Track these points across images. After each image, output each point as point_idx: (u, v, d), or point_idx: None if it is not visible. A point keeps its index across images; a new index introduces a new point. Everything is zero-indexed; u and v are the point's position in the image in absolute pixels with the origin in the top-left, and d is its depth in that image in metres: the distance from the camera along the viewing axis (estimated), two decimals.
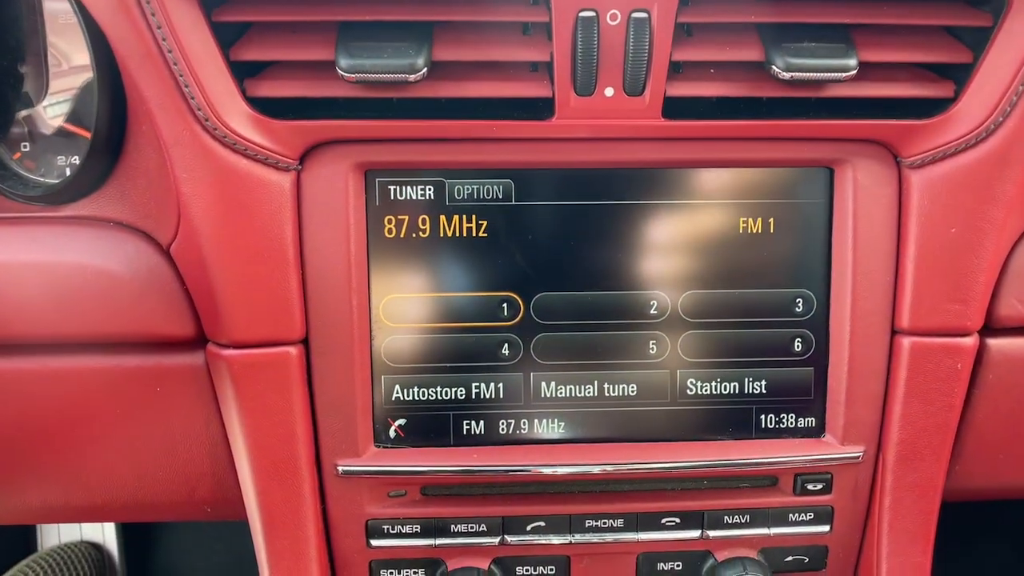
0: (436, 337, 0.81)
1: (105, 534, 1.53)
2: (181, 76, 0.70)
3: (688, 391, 0.83)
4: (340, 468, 0.81)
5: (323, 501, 0.83)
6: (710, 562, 0.86)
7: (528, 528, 0.84)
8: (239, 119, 0.72)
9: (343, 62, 0.69)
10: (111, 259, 0.77)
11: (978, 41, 0.74)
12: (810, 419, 0.84)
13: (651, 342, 0.82)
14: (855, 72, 0.71)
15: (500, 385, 0.82)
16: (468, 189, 0.79)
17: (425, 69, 0.69)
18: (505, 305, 0.81)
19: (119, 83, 0.74)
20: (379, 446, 0.82)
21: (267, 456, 0.80)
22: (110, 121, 0.75)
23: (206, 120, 0.71)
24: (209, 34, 0.70)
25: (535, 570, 0.85)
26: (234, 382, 0.78)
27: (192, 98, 0.71)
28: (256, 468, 0.80)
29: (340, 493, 0.83)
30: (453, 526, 0.84)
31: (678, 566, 0.86)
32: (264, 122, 0.73)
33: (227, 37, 0.71)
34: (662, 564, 0.86)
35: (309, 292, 0.77)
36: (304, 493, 0.81)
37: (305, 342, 0.78)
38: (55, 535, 1.51)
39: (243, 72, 0.72)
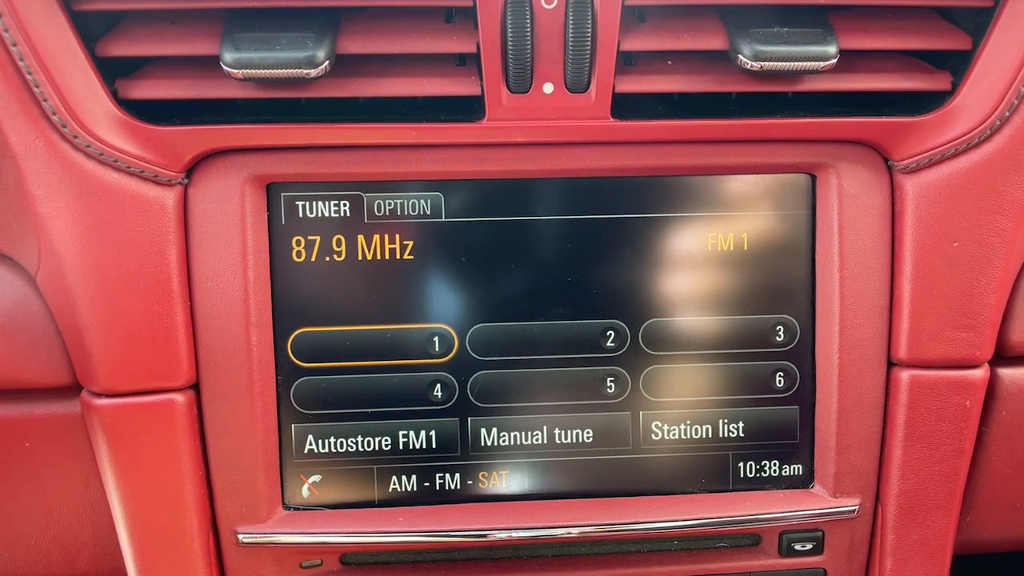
0: (356, 378, 0.74)
1: None
2: (30, 74, 0.62)
3: (653, 436, 0.76)
4: (241, 536, 0.73)
5: None
6: None
7: None
8: (107, 125, 0.65)
9: (228, 56, 0.63)
10: None
11: (978, 25, 0.69)
12: (796, 467, 0.77)
13: (609, 379, 0.75)
14: (835, 62, 0.66)
15: (432, 433, 0.75)
16: (390, 204, 0.72)
17: (327, 63, 0.64)
18: (436, 339, 0.73)
19: None
20: (288, 508, 0.75)
21: (149, 524, 0.72)
22: None
23: (64, 127, 0.64)
24: (67, 25, 0.63)
25: None
26: (107, 437, 0.70)
27: (45, 100, 0.62)
28: (136, 539, 0.73)
29: (241, 566, 0.75)
30: None
31: None
32: (139, 128, 0.66)
33: (92, 29, 0.65)
34: None
35: (199, 328, 0.70)
36: (196, 568, 0.73)
37: (196, 387, 0.71)
38: None
39: (113, 70, 0.66)
